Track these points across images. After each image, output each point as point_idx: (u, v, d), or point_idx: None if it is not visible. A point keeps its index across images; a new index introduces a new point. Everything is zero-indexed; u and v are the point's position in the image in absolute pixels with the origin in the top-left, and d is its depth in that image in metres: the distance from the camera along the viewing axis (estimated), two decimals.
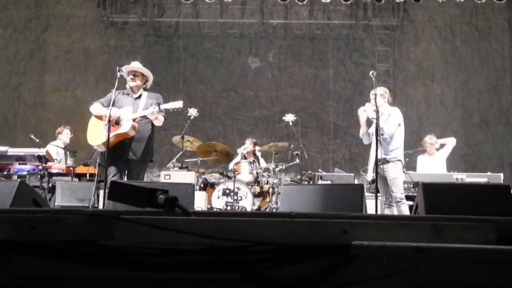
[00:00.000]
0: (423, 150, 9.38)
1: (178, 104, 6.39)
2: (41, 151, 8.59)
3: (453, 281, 1.92)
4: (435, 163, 9.20)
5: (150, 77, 6.70)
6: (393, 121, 7.06)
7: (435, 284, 1.93)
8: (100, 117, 6.38)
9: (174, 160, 9.94)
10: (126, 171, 6.36)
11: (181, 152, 9.64)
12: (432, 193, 3.82)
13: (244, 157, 9.88)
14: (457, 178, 8.16)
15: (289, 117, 9.63)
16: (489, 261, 1.90)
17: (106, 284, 1.92)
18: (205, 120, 12.78)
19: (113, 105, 6.28)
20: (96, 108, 6.43)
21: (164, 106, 6.32)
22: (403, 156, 7.29)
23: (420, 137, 9.84)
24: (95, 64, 12.94)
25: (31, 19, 13.07)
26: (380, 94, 7.08)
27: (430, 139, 9.31)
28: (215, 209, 8.53)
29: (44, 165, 8.36)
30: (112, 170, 6.18)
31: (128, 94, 6.50)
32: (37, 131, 12.24)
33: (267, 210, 8.90)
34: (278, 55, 13.13)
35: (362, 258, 1.89)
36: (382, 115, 6.97)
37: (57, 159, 9.20)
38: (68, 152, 9.50)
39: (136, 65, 6.72)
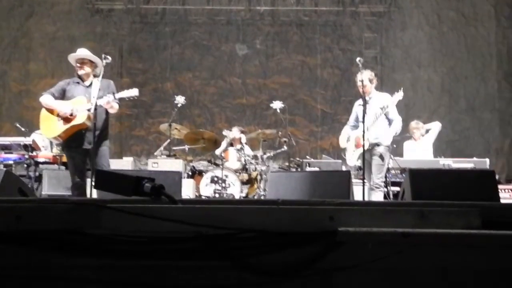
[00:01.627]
0: (409, 136, 9.42)
1: (134, 92, 6.33)
2: (27, 140, 8.54)
3: (439, 266, 1.94)
4: (421, 149, 9.24)
5: (99, 63, 6.46)
6: (394, 108, 6.99)
7: (421, 269, 1.94)
8: (51, 110, 6.28)
9: (161, 148, 9.91)
10: (85, 161, 6.29)
11: (169, 140, 9.61)
12: (419, 179, 3.85)
13: (231, 144, 9.88)
14: (443, 164, 8.21)
15: (277, 104, 9.62)
16: (474, 245, 1.92)
17: (93, 273, 1.92)
18: (193, 108, 12.74)
19: (64, 97, 6.24)
20: (47, 100, 6.30)
21: (119, 95, 6.23)
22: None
23: (407, 123, 9.87)
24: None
25: (14, 7, 12.90)
26: (369, 79, 7.02)
27: (416, 124, 9.36)
28: (203, 197, 8.53)
29: (30, 154, 8.31)
30: (72, 169, 6.22)
31: (78, 83, 6.36)
32: (23, 119, 12.16)
33: (255, 197, 8.91)
34: (266, 42, 13.09)
35: (348, 244, 1.90)
36: (370, 102, 6.94)
37: (43, 147, 9.14)
38: (52, 141, 9.43)
39: (83, 52, 6.53)
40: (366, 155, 6.80)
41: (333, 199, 2.15)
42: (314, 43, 13.00)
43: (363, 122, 6.46)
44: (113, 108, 6.22)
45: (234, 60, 13.04)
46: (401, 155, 9.25)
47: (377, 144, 6.87)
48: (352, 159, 7.27)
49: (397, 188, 7.69)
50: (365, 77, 6.93)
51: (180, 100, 9.70)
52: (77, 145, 6.09)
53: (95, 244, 1.89)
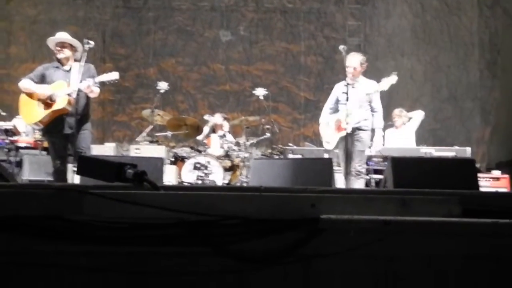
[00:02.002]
0: (391, 124, 9.47)
1: (114, 75, 6.25)
2: (8, 125, 8.44)
3: (420, 253, 1.96)
4: (403, 137, 9.30)
5: (79, 47, 6.35)
6: (378, 96, 7.01)
7: (403, 256, 1.97)
8: (30, 95, 6.21)
9: (144, 134, 9.85)
10: (66, 146, 6.26)
11: (151, 126, 9.56)
12: (401, 167, 3.88)
13: (213, 130, 9.86)
14: (425, 152, 8.26)
15: (260, 92, 9.60)
16: (454, 233, 1.95)
17: (75, 259, 1.91)
18: (176, 94, 12.68)
19: (43, 82, 6.16)
20: (26, 84, 6.23)
21: (99, 79, 6.14)
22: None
23: (389, 111, 9.92)
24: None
25: None
26: (360, 62, 6.96)
27: (399, 112, 9.42)
28: (185, 183, 8.52)
29: (11, 138, 8.22)
30: (53, 153, 6.18)
31: (57, 67, 6.28)
32: (4, 104, 11.99)
33: (238, 184, 8.92)
34: (249, 28, 13.04)
35: (330, 231, 1.91)
36: (356, 86, 6.91)
37: (25, 132, 9.05)
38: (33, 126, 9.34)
39: (63, 36, 6.44)
40: (346, 141, 6.74)
41: (316, 186, 2.16)
42: (298, 30, 12.98)
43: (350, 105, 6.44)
44: (94, 92, 6.15)
45: (217, 47, 12.98)
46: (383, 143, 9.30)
47: (359, 129, 6.85)
48: (332, 142, 7.12)
49: (379, 176, 7.73)
50: (356, 60, 6.92)
51: (163, 86, 9.65)
52: (58, 130, 6.02)
53: (76, 230, 1.89)
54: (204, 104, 12.79)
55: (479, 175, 6.83)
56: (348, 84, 6.79)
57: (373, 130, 7.07)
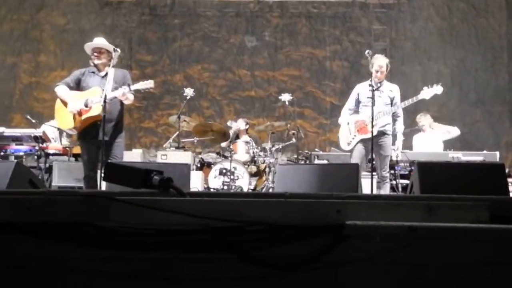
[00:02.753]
0: (418, 129, 9.40)
1: (149, 84, 6.30)
2: (38, 132, 8.60)
3: (446, 260, 1.94)
4: (431, 142, 9.23)
5: (114, 52, 6.40)
6: (399, 98, 7.01)
7: (429, 263, 1.95)
8: (65, 102, 6.26)
9: (170, 140, 9.94)
10: (98, 153, 6.31)
11: (178, 132, 9.63)
12: (427, 172, 3.84)
13: (236, 136, 9.90)
14: (453, 157, 8.18)
15: (286, 97, 9.62)
16: (482, 240, 1.92)
17: (102, 264, 1.93)
18: (202, 100, 12.76)
19: (79, 87, 6.24)
20: (61, 92, 6.28)
21: (135, 87, 6.20)
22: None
23: (415, 115, 9.85)
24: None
25: None
26: (387, 64, 6.94)
27: (424, 116, 9.36)
28: (211, 189, 8.56)
29: (40, 145, 8.37)
30: (86, 159, 6.22)
31: (93, 73, 6.32)
32: (33, 111, 12.24)
33: (264, 189, 8.93)
34: (275, 34, 13.06)
35: (355, 237, 1.90)
36: (380, 89, 6.90)
37: (53, 138, 9.20)
38: (63, 133, 9.50)
39: (100, 41, 6.48)
40: (368, 143, 6.74)
41: (341, 192, 2.15)
42: (323, 35, 12.96)
43: (372, 107, 6.40)
44: (128, 99, 6.22)
45: (243, 53, 13.03)
46: (410, 148, 9.23)
47: (384, 133, 6.83)
48: (352, 143, 7.03)
49: (405, 181, 7.68)
50: (383, 62, 6.91)
51: (189, 92, 9.74)
52: (92, 136, 6.06)
53: (104, 236, 1.91)
54: (230, 110, 12.84)
55: (508, 180, 6.72)
56: (372, 86, 6.68)
57: (394, 136, 7.03)
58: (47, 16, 13.05)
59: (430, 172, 3.84)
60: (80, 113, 6.14)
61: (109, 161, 6.08)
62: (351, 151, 7.16)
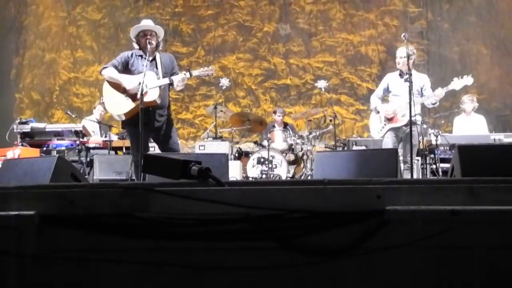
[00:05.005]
0: (459, 111, 9.23)
1: (210, 70, 6.20)
2: (78, 126, 8.75)
3: (489, 244, 1.90)
4: (473, 124, 9.04)
5: (162, 34, 6.26)
6: (430, 90, 6.99)
7: (472, 247, 1.91)
8: (116, 85, 6.03)
9: (208, 130, 10.00)
10: (148, 139, 6.19)
11: (215, 122, 9.69)
12: (468, 155, 3.76)
13: (273, 126, 9.91)
14: (494, 139, 8.01)
15: (322, 83, 9.56)
16: None
17: (144, 255, 1.96)
18: (237, 90, 12.80)
19: (126, 69, 6.03)
20: (111, 73, 6.05)
21: (196, 73, 6.09)
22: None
23: (456, 98, 9.67)
24: (126, 37, 13.01)
25: None
26: (408, 54, 6.89)
27: (469, 98, 9.17)
28: (250, 178, 8.59)
29: (81, 139, 8.52)
30: (135, 145, 5.99)
31: (141, 56, 6.11)
32: (73, 106, 12.49)
33: (302, 177, 8.91)
34: (308, 21, 12.96)
35: (396, 222, 1.89)
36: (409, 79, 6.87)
37: (93, 131, 9.36)
38: (101, 126, 9.67)
39: (149, 23, 6.28)
40: (398, 132, 6.94)
41: (381, 177, 2.13)
42: (358, 20, 12.80)
43: (410, 99, 6.36)
44: (183, 84, 6.07)
45: (277, 41, 12.99)
46: (450, 132, 9.07)
47: (413, 122, 6.78)
48: (381, 132, 7.16)
49: (446, 165, 7.56)
50: (403, 51, 6.92)
51: (224, 82, 9.77)
52: (145, 123, 5.77)
53: (145, 227, 1.94)
54: (266, 99, 12.83)
55: None
56: (402, 76, 6.95)
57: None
58: (83, 12, 13.27)
59: (471, 155, 3.75)
60: (135, 97, 5.93)
61: (170, 149, 6.03)
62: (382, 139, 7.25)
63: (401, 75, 7.08)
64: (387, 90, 7.27)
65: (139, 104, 5.74)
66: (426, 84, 7.02)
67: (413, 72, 6.94)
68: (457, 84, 6.90)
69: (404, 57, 6.88)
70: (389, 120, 7.04)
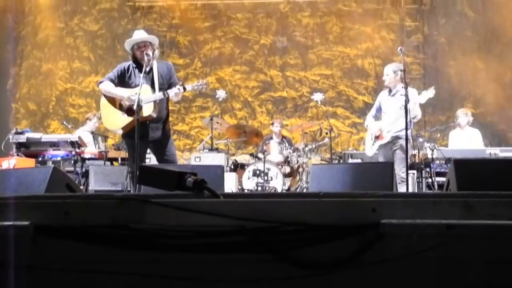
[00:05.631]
0: (454, 125, 9.25)
1: (204, 84, 6.10)
2: (74, 137, 8.74)
3: (484, 258, 1.90)
4: (468, 138, 9.05)
5: (156, 42, 6.20)
6: (415, 103, 7.07)
7: (467, 261, 1.91)
8: (112, 99, 6.01)
9: (204, 142, 10.00)
10: (146, 152, 6.20)
11: (211, 134, 9.69)
12: (464, 169, 3.75)
13: (270, 138, 9.91)
14: (490, 153, 8.03)
15: (318, 96, 9.58)
16: None
17: (139, 266, 1.95)
18: (234, 102, 12.81)
19: (123, 81, 6.00)
20: (107, 87, 6.01)
21: (189, 88, 6.01)
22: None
23: (453, 112, 9.70)
24: (123, 48, 13.02)
25: (59, 7, 13.22)
26: (393, 70, 7.05)
27: (463, 111, 9.20)
28: (245, 190, 8.57)
29: (77, 150, 8.50)
30: (132, 157, 6.00)
31: (137, 68, 6.04)
32: (69, 117, 12.48)
33: (298, 189, 8.91)
34: (305, 34, 13.01)
35: (392, 236, 1.88)
36: (396, 95, 7.09)
37: (88, 142, 9.35)
38: (95, 137, 9.66)
39: (142, 35, 6.22)
40: (386, 148, 7.14)
41: (376, 191, 2.13)
42: (354, 33, 12.85)
43: (406, 114, 6.41)
44: (179, 97, 6.02)
45: (274, 53, 13.02)
46: (446, 145, 9.09)
47: (398, 137, 6.91)
48: (373, 149, 7.39)
49: (442, 179, 7.57)
50: (389, 69, 7.08)
51: (221, 94, 9.78)
52: (141, 136, 5.72)
53: (140, 239, 1.93)
54: (262, 111, 12.84)
55: None
56: (390, 92, 7.25)
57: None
58: (80, 22, 13.29)
59: (467, 169, 3.75)
60: (130, 111, 5.89)
61: (167, 161, 6.02)
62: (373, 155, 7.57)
63: (390, 91, 7.32)
64: (380, 109, 7.48)
65: (135, 115, 5.70)
66: (412, 99, 7.04)
67: (399, 87, 7.01)
68: (423, 97, 7.02)
69: (388, 74, 7.14)
70: (377, 137, 7.30)
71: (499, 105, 11.93)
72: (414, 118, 7.03)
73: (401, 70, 6.98)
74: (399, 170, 6.77)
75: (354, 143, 12.33)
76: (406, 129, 6.28)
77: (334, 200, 1.97)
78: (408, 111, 6.53)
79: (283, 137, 10.16)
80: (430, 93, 6.99)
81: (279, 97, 12.92)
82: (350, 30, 12.85)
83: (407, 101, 6.39)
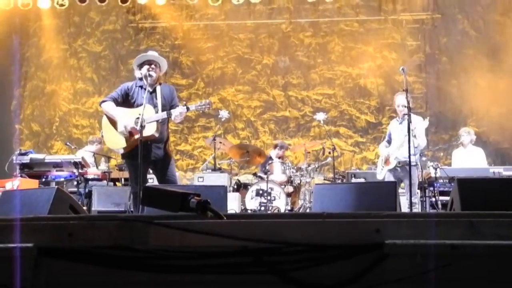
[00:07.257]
0: (457, 144, 9.25)
1: (207, 104, 6.14)
2: (77, 158, 8.76)
3: (489, 279, 1.89)
4: (472, 157, 9.03)
5: (165, 68, 6.32)
6: (421, 131, 7.33)
7: (471, 281, 1.90)
8: (113, 120, 6.04)
9: (207, 162, 10.01)
10: (147, 171, 6.20)
11: (214, 154, 9.69)
12: (468, 189, 3.75)
13: (270, 158, 9.89)
14: (494, 172, 8.01)
15: (320, 116, 9.61)
16: None
17: (143, 287, 1.95)
18: (237, 122, 12.83)
19: (127, 101, 6.02)
20: (108, 109, 6.03)
21: (193, 107, 6.04)
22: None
23: (455, 131, 9.70)
24: (127, 68, 13.12)
25: (62, 29, 13.33)
26: (408, 100, 7.04)
27: (465, 130, 9.20)
28: (249, 210, 8.56)
29: (80, 171, 8.51)
30: (133, 177, 6.01)
31: (141, 87, 6.06)
32: (73, 138, 12.52)
33: (301, 209, 8.88)
34: (307, 53, 13.08)
35: (396, 256, 1.88)
36: (403, 123, 7.33)
37: (90, 163, 9.37)
38: (96, 159, 9.69)
39: (153, 54, 6.31)
40: (397, 172, 7.54)
41: (380, 210, 2.12)
42: (356, 53, 12.91)
43: (409, 136, 6.60)
44: (182, 117, 6.04)
45: (276, 73, 13.08)
46: (449, 165, 9.07)
47: (406, 164, 7.06)
48: (381, 174, 7.83)
49: (445, 198, 7.55)
50: (403, 100, 7.22)
51: (224, 114, 9.81)
52: (143, 156, 5.69)
53: (144, 260, 1.93)
54: (265, 131, 12.86)
55: None
56: (398, 120, 7.81)
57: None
58: (84, 44, 13.39)
59: (471, 188, 3.74)
60: (131, 133, 5.91)
61: (168, 181, 6.02)
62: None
63: (398, 119, 7.87)
64: (390, 136, 7.98)
65: (139, 136, 5.72)
66: (418, 126, 7.25)
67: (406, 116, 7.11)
68: (419, 125, 7.32)
69: (403, 105, 7.38)
70: (385, 163, 7.75)
71: (502, 123, 11.93)
72: (417, 147, 7.15)
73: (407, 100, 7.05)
74: (413, 197, 6.97)
75: (357, 162, 12.31)
76: (409, 146, 6.34)
77: (337, 221, 1.97)
78: (412, 132, 6.60)
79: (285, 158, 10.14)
80: (425, 123, 7.37)
81: (282, 116, 12.95)
82: (352, 50, 12.91)
83: (409, 120, 6.45)
